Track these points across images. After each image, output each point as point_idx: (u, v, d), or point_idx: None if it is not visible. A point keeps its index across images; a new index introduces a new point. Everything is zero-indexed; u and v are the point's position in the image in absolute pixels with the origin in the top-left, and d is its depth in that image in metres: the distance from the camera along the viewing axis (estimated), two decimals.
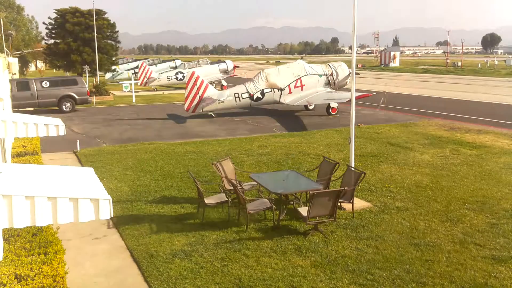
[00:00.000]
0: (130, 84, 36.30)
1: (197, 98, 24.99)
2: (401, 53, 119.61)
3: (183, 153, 16.77)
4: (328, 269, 7.93)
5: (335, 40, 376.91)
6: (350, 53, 12.76)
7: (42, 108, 29.05)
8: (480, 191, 11.99)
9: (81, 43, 41.57)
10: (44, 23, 43.41)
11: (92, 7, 40.93)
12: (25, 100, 27.91)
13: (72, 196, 4.72)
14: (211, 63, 49.49)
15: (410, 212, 10.56)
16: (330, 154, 15.92)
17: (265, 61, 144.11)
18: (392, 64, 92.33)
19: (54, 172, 6.05)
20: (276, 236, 9.28)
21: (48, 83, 29.24)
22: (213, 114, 25.78)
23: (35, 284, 5.82)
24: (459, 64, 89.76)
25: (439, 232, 9.42)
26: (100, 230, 9.83)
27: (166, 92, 43.47)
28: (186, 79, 33.47)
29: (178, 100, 34.55)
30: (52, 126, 8.40)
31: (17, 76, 32.19)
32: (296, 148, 17.46)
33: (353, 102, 11.83)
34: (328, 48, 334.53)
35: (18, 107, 26.20)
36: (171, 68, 54.73)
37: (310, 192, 9.17)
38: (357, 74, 28.93)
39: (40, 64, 79.48)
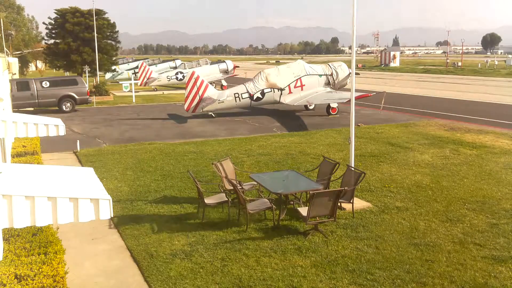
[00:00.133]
0: (130, 84, 36.31)
1: (197, 98, 24.99)
2: (401, 53, 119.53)
3: (183, 153, 16.77)
4: (328, 269, 7.93)
5: (335, 40, 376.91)
6: (350, 53, 12.76)
7: (42, 108, 29.05)
8: (480, 191, 11.99)
9: (81, 43, 41.56)
10: (44, 23, 43.46)
11: (92, 7, 40.95)
12: (25, 100, 27.91)
13: (72, 196, 4.73)
14: (211, 63, 49.49)
15: (410, 212, 10.56)
16: (330, 154, 15.92)
17: (265, 61, 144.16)
18: (392, 64, 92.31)
19: (54, 172, 6.05)
20: (276, 236, 9.29)
21: (48, 83, 29.24)
22: (213, 114, 25.78)
23: (35, 284, 5.82)
24: (459, 64, 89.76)
25: (439, 232, 9.43)
26: (100, 230, 9.82)
27: (166, 92, 43.47)
28: (186, 79, 33.47)
29: (178, 100, 34.55)
30: (52, 126, 8.40)
31: (17, 76, 32.17)
32: (296, 148, 17.46)
33: (353, 102, 11.83)
34: (328, 48, 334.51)
35: (18, 107, 26.20)
36: (171, 68, 54.76)
37: (310, 192, 9.17)
38: (357, 74, 28.97)
39: (40, 64, 79.48)
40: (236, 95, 25.75)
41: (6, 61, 19.66)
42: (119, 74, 53.51)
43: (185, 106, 25.28)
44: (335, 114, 26.25)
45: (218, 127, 22.94)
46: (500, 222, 9.93)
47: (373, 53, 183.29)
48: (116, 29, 45.52)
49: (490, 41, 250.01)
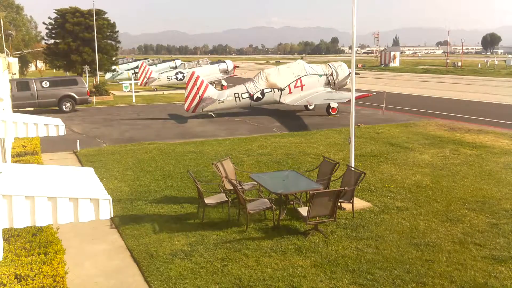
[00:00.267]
0: (130, 84, 36.31)
1: (197, 98, 24.99)
2: (401, 53, 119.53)
3: (183, 153, 16.77)
4: (328, 269, 7.93)
5: (335, 40, 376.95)
6: (350, 53, 12.76)
7: (42, 108, 29.05)
8: (480, 191, 11.99)
9: (81, 43, 41.56)
10: (44, 23, 43.44)
11: (92, 7, 40.95)
12: (25, 100, 27.91)
13: (72, 196, 4.73)
14: (211, 63, 49.49)
15: (410, 212, 10.56)
16: (330, 154, 15.92)
17: (265, 61, 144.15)
18: (392, 64, 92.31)
19: (54, 172, 6.05)
20: (276, 236, 9.29)
21: (48, 83, 29.23)
22: (213, 114, 25.78)
23: (35, 284, 5.82)
24: (459, 64, 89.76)
25: (439, 232, 9.43)
26: (100, 230, 9.82)
27: (166, 92, 43.48)
28: (186, 79, 33.47)
29: (178, 100, 34.55)
30: (52, 126, 8.41)
31: (17, 76, 32.17)
32: (296, 148, 17.46)
33: (353, 102, 11.83)
34: (328, 48, 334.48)
35: (18, 107, 26.20)
36: (171, 68, 54.76)
37: (310, 192, 9.17)
38: (357, 74, 28.98)
39: (40, 64, 79.48)
40: (236, 95, 25.75)
41: (6, 61, 19.66)
42: (119, 74, 53.52)
43: (185, 106, 25.28)
44: (335, 114, 26.25)
45: (218, 127, 22.94)
46: (500, 222, 9.93)
47: (373, 53, 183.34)
48: (116, 29, 45.52)
49: (490, 41, 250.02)
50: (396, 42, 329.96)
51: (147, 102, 35.08)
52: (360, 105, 28.96)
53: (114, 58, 46.53)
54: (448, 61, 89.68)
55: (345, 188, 9.83)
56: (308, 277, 7.65)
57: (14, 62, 27.42)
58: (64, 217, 4.68)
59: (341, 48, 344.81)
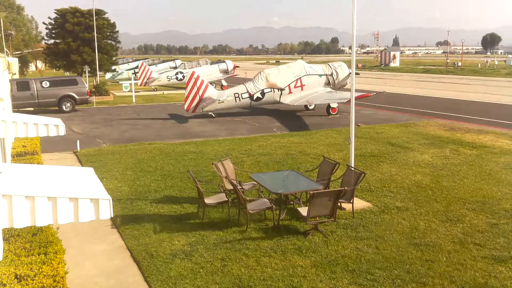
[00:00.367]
0: (130, 84, 36.31)
1: (197, 98, 25.00)
2: (401, 53, 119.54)
3: (183, 153, 16.77)
4: (328, 269, 7.93)
5: (335, 40, 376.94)
6: (350, 53, 12.76)
7: (42, 108, 29.05)
8: (480, 191, 11.99)
9: (81, 43, 41.57)
10: (44, 23, 43.46)
11: (92, 7, 40.96)
12: (25, 100, 27.91)
13: (72, 196, 4.73)
14: (211, 63, 49.49)
15: (410, 212, 10.56)
16: (330, 154, 15.92)
17: (265, 61, 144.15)
18: (392, 64, 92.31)
19: (54, 172, 6.05)
20: (276, 236, 9.29)
21: (48, 83, 29.24)
22: (213, 114, 25.78)
23: (35, 284, 5.82)
24: (459, 64, 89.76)
25: (439, 232, 9.43)
26: (100, 230, 9.82)
27: (166, 92, 43.48)
28: (186, 79, 33.47)
29: (178, 100, 34.55)
30: (52, 126, 8.40)
31: (17, 76, 32.17)
32: (296, 148, 17.46)
33: (353, 102, 11.83)
34: (328, 48, 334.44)
35: (18, 107, 26.19)
36: (171, 68, 54.75)
37: (310, 192, 9.17)
38: (357, 74, 28.97)
39: (40, 64, 79.48)
40: (236, 95, 25.75)
41: (6, 61, 19.66)
42: (119, 74, 53.53)
43: (185, 106, 25.28)
44: (335, 114, 26.25)
45: (218, 127, 22.94)
46: (500, 222, 9.93)
47: (373, 53, 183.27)
48: (116, 29, 45.53)
49: (490, 41, 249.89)
50: (396, 42, 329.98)
51: (147, 102, 35.08)
52: (360, 105, 28.96)
53: (114, 58, 46.55)
54: (448, 61, 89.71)
55: (345, 188, 9.83)
56: (308, 277, 7.65)
57: (14, 62, 27.42)
58: (64, 217, 4.68)
59: (341, 48, 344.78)
